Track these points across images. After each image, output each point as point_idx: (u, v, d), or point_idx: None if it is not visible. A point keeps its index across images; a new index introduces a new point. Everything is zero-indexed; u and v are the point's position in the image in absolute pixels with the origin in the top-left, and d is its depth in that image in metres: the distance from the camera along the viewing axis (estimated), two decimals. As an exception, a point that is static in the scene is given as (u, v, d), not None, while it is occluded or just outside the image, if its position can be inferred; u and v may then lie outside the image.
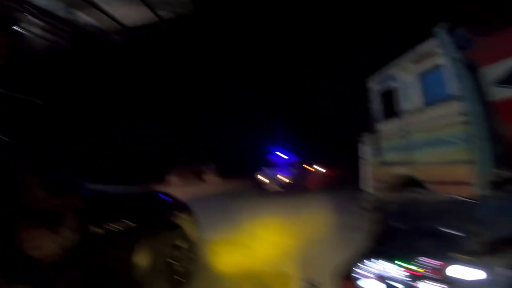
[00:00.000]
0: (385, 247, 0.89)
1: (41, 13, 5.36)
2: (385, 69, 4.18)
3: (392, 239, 0.91)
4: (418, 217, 0.89)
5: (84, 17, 6.30)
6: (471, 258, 0.80)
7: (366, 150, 4.71)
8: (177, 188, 12.95)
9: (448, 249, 0.84)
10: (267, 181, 10.81)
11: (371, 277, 0.79)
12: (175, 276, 2.60)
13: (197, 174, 12.87)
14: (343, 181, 16.97)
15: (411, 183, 3.46)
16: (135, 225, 2.21)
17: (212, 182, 17.90)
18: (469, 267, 0.77)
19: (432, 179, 3.16)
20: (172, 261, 2.60)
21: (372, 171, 4.51)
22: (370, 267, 0.80)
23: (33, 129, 1.58)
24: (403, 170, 3.71)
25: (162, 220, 2.67)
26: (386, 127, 4.15)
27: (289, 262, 3.28)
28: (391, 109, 4.00)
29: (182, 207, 3.18)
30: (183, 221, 3.07)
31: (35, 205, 0.65)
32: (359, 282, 0.78)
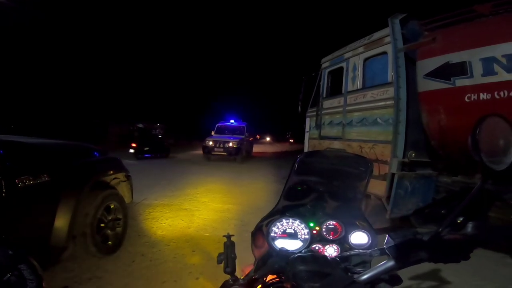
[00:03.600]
0: (294, 205, 0.97)
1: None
2: (339, 50, 4.33)
3: (300, 197, 0.99)
4: (322, 176, 0.97)
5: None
6: (366, 224, 0.92)
7: (309, 123, 4.97)
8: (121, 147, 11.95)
9: (348, 213, 0.94)
10: (213, 145, 10.74)
11: (278, 233, 0.88)
12: (103, 240, 2.40)
13: (147, 133, 11.84)
14: (291, 153, 18.00)
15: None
16: (50, 179, 1.85)
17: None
18: (363, 232, 0.89)
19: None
20: (102, 224, 2.39)
21: (311, 144, 4.84)
22: (278, 223, 0.89)
23: None
24: (336, 145, 4.08)
25: (91, 179, 2.29)
26: (329, 104, 4.41)
27: (227, 227, 3.43)
28: (336, 88, 4.23)
29: (116, 166, 2.80)
30: (117, 181, 2.80)
31: None
32: (268, 238, 0.86)
